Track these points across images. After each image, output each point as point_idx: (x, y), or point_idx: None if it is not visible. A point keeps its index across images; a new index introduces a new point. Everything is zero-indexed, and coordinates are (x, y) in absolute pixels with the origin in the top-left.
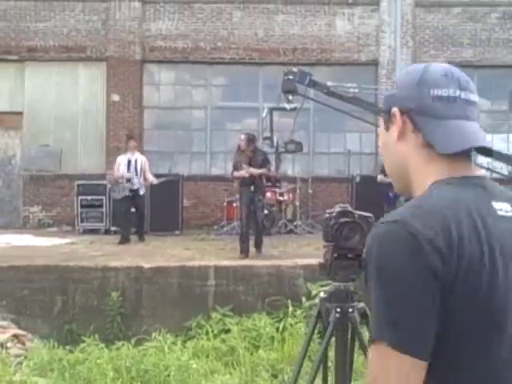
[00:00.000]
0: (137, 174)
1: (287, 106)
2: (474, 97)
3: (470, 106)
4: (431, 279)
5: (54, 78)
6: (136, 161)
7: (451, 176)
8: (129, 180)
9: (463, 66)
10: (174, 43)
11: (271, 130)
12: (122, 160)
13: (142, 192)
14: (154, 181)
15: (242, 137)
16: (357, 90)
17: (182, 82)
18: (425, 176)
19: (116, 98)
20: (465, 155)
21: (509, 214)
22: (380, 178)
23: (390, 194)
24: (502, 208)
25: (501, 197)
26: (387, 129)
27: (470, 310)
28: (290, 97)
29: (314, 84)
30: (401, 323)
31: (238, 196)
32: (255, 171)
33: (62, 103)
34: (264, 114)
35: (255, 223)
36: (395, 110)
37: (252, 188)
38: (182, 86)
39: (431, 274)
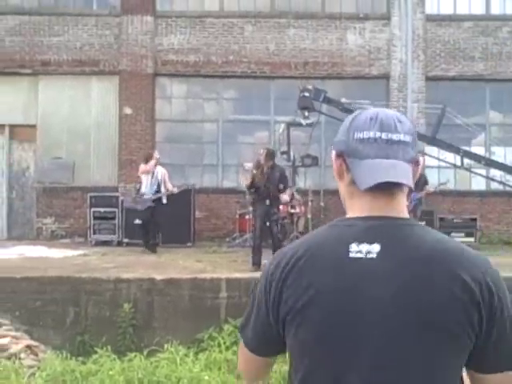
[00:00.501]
0: (158, 186)
1: (303, 122)
2: (399, 136)
3: (392, 145)
4: (266, 298)
5: (67, 92)
6: (157, 172)
7: (369, 214)
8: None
9: (474, 79)
10: (185, 57)
11: (288, 145)
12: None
13: (164, 201)
14: (175, 190)
15: (261, 151)
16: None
17: (194, 95)
18: (350, 211)
19: (128, 111)
20: (386, 192)
21: (358, 256)
22: None
23: (407, 203)
24: (361, 250)
25: (373, 238)
26: (334, 166)
27: (303, 328)
28: (306, 113)
29: (328, 101)
30: (245, 326)
31: (250, 208)
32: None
33: (75, 116)
34: (281, 130)
35: (271, 237)
36: (333, 153)
37: (267, 202)
38: (193, 99)
39: (267, 294)
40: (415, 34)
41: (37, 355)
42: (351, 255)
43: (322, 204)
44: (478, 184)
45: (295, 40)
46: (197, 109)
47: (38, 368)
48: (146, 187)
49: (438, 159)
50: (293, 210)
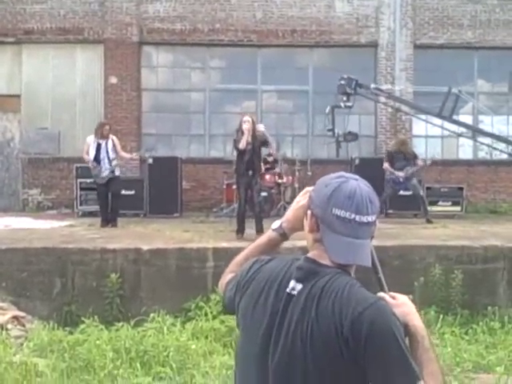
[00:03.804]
0: (109, 157)
1: (342, 105)
2: (368, 218)
3: (362, 226)
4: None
5: (51, 61)
6: (107, 143)
7: (318, 260)
8: (93, 165)
9: (463, 47)
10: (171, 25)
11: (333, 124)
12: (91, 142)
13: (117, 173)
14: (133, 156)
15: (247, 118)
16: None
17: (180, 64)
18: (310, 250)
19: (114, 80)
20: None
21: (292, 292)
22: (385, 165)
23: (401, 178)
24: (293, 287)
25: (305, 279)
26: (306, 218)
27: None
28: (344, 98)
29: (359, 86)
30: (229, 283)
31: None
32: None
33: (60, 86)
34: (327, 111)
35: (253, 206)
36: (309, 212)
37: (250, 172)
38: (179, 68)
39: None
40: (403, 1)
41: (24, 326)
42: (287, 290)
43: (309, 173)
44: (465, 153)
45: (282, 8)
46: (183, 78)
47: (26, 338)
48: (99, 159)
49: (442, 127)
50: (280, 180)
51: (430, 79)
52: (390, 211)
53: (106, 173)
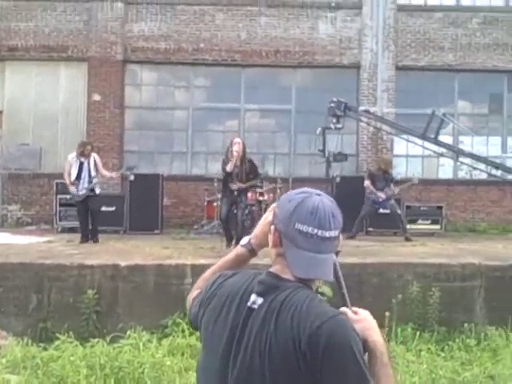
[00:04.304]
0: (90, 175)
1: (332, 127)
2: (331, 233)
3: (324, 241)
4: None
5: (35, 78)
6: (89, 162)
7: (280, 274)
8: (74, 184)
9: (444, 69)
10: (156, 44)
11: (324, 145)
12: (73, 162)
13: (97, 191)
14: (113, 174)
15: (238, 140)
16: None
17: (164, 82)
18: (273, 265)
19: (97, 97)
20: None
21: (253, 306)
22: (367, 183)
23: (380, 199)
24: (253, 300)
25: (266, 293)
26: (270, 233)
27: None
28: (334, 120)
29: (348, 109)
30: (195, 298)
31: (219, 196)
32: (242, 186)
33: (42, 102)
34: (318, 132)
35: (236, 224)
36: (272, 227)
37: (235, 192)
38: (163, 86)
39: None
40: (386, 23)
41: None
42: (248, 304)
43: None
44: (445, 173)
45: (266, 28)
46: (167, 96)
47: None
48: (80, 177)
49: (424, 147)
50: (261, 198)
51: (411, 100)
52: (370, 229)
53: (83, 191)
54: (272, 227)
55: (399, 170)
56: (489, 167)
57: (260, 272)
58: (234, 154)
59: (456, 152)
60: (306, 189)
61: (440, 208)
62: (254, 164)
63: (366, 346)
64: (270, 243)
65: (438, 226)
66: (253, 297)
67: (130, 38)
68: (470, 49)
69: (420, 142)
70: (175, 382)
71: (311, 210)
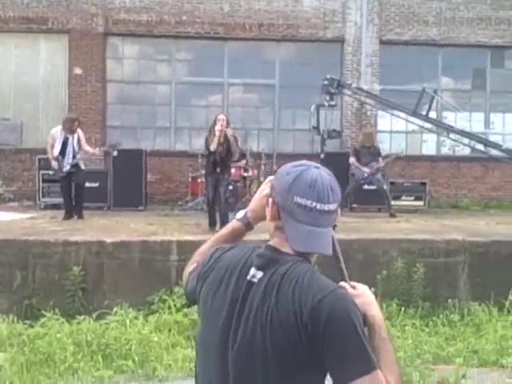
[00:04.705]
0: (74, 151)
1: (326, 104)
2: (330, 206)
3: (323, 215)
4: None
5: (14, 50)
6: (73, 137)
7: (279, 247)
8: (57, 159)
9: (428, 44)
10: (137, 16)
11: (318, 122)
12: (58, 136)
13: (82, 166)
14: (96, 151)
15: (222, 116)
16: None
17: (146, 56)
18: (271, 238)
19: (78, 71)
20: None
21: (252, 280)
22: (352, 160)
23: (365, 174)
24: (253, 274)
25: (265, 267)
26: (267, 206)
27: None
28: (328, 97)
29: (341, 86)
30: (192, 272)
31: (203, 172)
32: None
33: (23, 76)
34: (312, 109)
35: (219, 201)
36: (270, 201)
37: (218, 169)
38: (146, 60)
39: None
40: None
41: None
42: (248, 277)
43: (275, 167)
44: (429, 149)
45: (250, 1)
46: (149, 70)
47: None
48: (64, 152)
49: (409, 122)
50: (245, 174)
51: (395, 75)
52: (355, 205)
53: (67, 167)
54: (270, 200)
55: (383, 146)
56: (472, 142)
57: (259, 245)
58: (217, 133)
59: (447, 129)
60: (304, 161)
61: (424, 184)
62: (236, 139)
63: (365, 320)
64: (268, 216)
65: (421, 203)
66: (252, 270)
67: (112, 10)
68: (453, 23)
69: (407, 117)
70: (162, 357)
71: (310, 182)
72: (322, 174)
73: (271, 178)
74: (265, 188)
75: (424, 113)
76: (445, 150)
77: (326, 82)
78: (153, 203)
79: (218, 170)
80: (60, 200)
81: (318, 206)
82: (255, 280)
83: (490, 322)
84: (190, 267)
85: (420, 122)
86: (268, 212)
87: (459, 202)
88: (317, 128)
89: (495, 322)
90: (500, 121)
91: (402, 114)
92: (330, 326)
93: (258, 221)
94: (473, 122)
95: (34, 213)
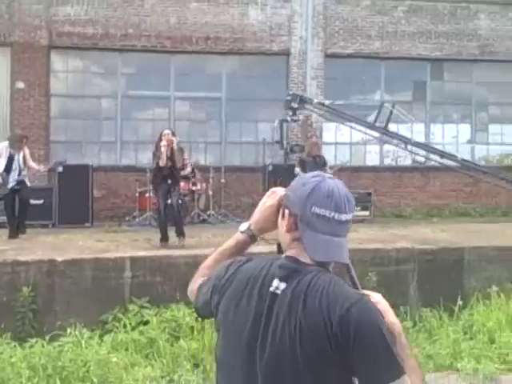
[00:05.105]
0: (19, 168)
1: (289, 119)
2: (347, 216)
3: (341, 225)
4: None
5: None
6: (19, 154)
7: (298, 257)
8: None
9: (371, 57)
10: (82, 29)
11: (281, 137)
12: (3, 152)
13: (28, 183)
14: (41, 168)
15: (167, 131)
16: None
17: (92, 69)
18: (288, 250)
19: (21, 85)
20: None
21: (276, 291)
22: (297, 170)
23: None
24: (276, 286)
25: (288, 278)
26: (282, 218)
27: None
28: (291, 112)
29: (303, 101)
30: (203, 285)
31: (151, 187)
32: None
33: None
34: (276, 124)
35: (172, 213)
36: (287, 212)
37: (169, 181)
38: (91, 73)
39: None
40: (315, 10)
41: None
42: (270, 289)
43: (223, 180)
44: (372, 160)
45: (197, 14)
46: (94, 84)
47: None
48: (10, 169)
49: (365, 133)
50: (194, 187)
51: (339, 88)
52: None
53: (12, 184)
54: (286, 212)
55: (328, 158)
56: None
57: (276, 258)
58: (162, 149)
59: (407, 142)
60: (318, 172)
61: (369, 194)
62: (182, 150)
63: None
64: (284, 228)
65: (367, 213)
66: (275, 282)
67: (56, 22)
68: (395, 37)
69: (366, 130)
70: (122, 378)
71: (327, 193)
72: (338, 185)
73: (275, 189)
74: (267, 200)
75: (385, 126)
76: (388, 161)
77: (288, 98)
78: (99, 219)
79: (169, 181)
80: (3, 218)
81: (336, 216)
82: (279, 291)
83: (441, 327)
84: (198, 281)
85: (377, 135)
86: (283, 224)
87: (402, 211)
88: (280, 142)
89: (446, 327)
90: (440, 131)
91: (361, 127)
92: (360, 333)
93: (262, 232)
94: (414, 133)
95: None
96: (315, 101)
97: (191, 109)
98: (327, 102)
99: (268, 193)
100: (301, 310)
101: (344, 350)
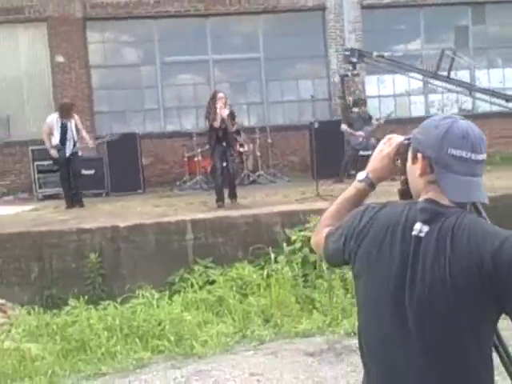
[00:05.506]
0: (74, 138)
1: (349, 74)
2: (483, 156)
3: (477, 164)
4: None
5: None
6: (71, 123)
7: (437, 199)
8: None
9: (408, 5)
10: None
11: (343, 92)
12: (54, 122)
13: (80, 153)
14: (90, 143)
15: (221, 94)
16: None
17: (127, 38)
18: (423, 194)
19: (61, 59)
20: None
21: (420, 234)
22: (344, 127)
23: (360, 138)
24: (419, 229)
25: (431, 221)
26: (413, 163)
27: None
28: (350, 67)
29: (362, 55)
30: (332, 234)
31: (198, 150)
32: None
33: (4, 68)
34: (336, 80)
35: (228, 175)
36: (420, 155)
37: (224, 143)
38: (127, 42)
39: (349, 238)
40: None
41: (5, 313)
42: (413, 233)
43: (270, 140)
44: (417, 110)
45: None
46: (131, 53)
47: (10, 325)
48: (65, 139)
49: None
50: (242, 149)
51: (378, 39)
52: (352, 172)
53: (68, 154)
54: (419, 155)
55: (372, 111)
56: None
57: (413, 202)
58: (219, 111)
59: (469, 88)
60: (448, 115)
61: None
62: (234, 115)
63: None
64: (418, 172)
65: None
66: (418, 225)
67: None
68: None
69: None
70: (197, 335)
71: (462, 134)
72: (471, 125)
73: (390, 136)
74: (384, 148)
75: (448, 74)
76: (433, 111)
77: (347, 53)
78: (149, 186)
79: (224, 143)
80: (56, 190)
81: (473, 157)
82: (422, 234)
83: None
84: (324, 230)
85: (440, 84)
86: (416, 168)
87: None
88: (343, 97)
89: None
90: (485, 77)
91: (419, 76)
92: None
93: (381, 180)
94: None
95: (33, 204)
96: (375, 53)
97: (230, 70)
98: (386, 54)
99: (383, 140)
100: (449, 251)
101: (496, 287)
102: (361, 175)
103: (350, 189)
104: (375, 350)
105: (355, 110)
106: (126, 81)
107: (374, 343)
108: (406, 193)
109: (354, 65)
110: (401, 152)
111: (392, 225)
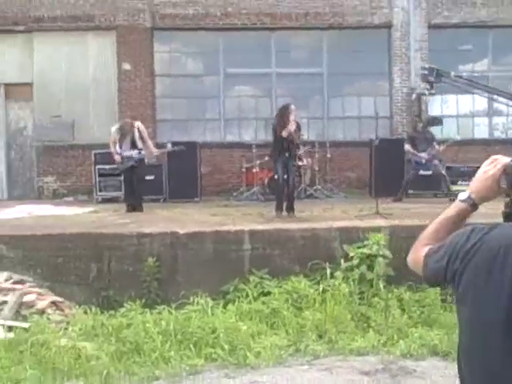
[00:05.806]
0: (136, 146)
1: (427, 93)
2: None
3: None
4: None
5: (63, 48)
6: (133, 132)
7: None
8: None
9: (477, 26)
10: (184, 10)
11: (419, 110)
12: (117, 133)
13: (145, 160)
14: (154, 151)
15: (293, 107)
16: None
17: (194, 48)
18: None
19: (127, 66)
20: None
21: None
22: (407, 147)
23: (423, 160)
24: None
25: None
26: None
27: (467, 309)
28: (428, 86)
29: (440, 74)
30: (433, 253)
31: (257, 162)
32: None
33: (72, 73)
34: (413, 98)
35: (287, 187)
36: None
37: (287, 154)
38: (193, 53)
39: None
40: None
41: (63, 311)
42: None
43: (329, 155)
44: (481, 132)
45: None
46: (196, 63)
47: (67, 323)
48: (125, 148)
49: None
50: (300, 163)
51: (444, 59)
52: (410, 191)
53: (131, 162)
54: None
55: (435, 131)
56: None
57: None
58: (292, 122)
59: None
60: None
61: (479, 168)
62: (300, 127)
63: None
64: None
65: None
66: None
67: (158, 5)
68: (503, 3)
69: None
70: (250, 345)
71: None
72: None
73: (495, 157)
74: (488, 169)
75: None
76: (497, 134)
77: (425, 72)
78: (206, 194)
79: (287, 154)
80: (116, 194)
81: None
82: None
83: None
84: (421, 249)
85: None
86: None
87: None
88: (419, 116)
89: None
90: None
91: (502, 99)
92: None
93: (484, 201)
94: None
95: (93, 207)
96: (452, 73)
97: (293, 84)
98: (464, 75)
99: (488, 160)
100: None
101: None
102: (463, 195)
103: (451, 208)
104: (481, 376)
105: (426, 129)
106: (189, 90)
107: (480, 369)
108: (510, 215)
109: (431, 84)
110: (507, 173)
111: (504, 246)
